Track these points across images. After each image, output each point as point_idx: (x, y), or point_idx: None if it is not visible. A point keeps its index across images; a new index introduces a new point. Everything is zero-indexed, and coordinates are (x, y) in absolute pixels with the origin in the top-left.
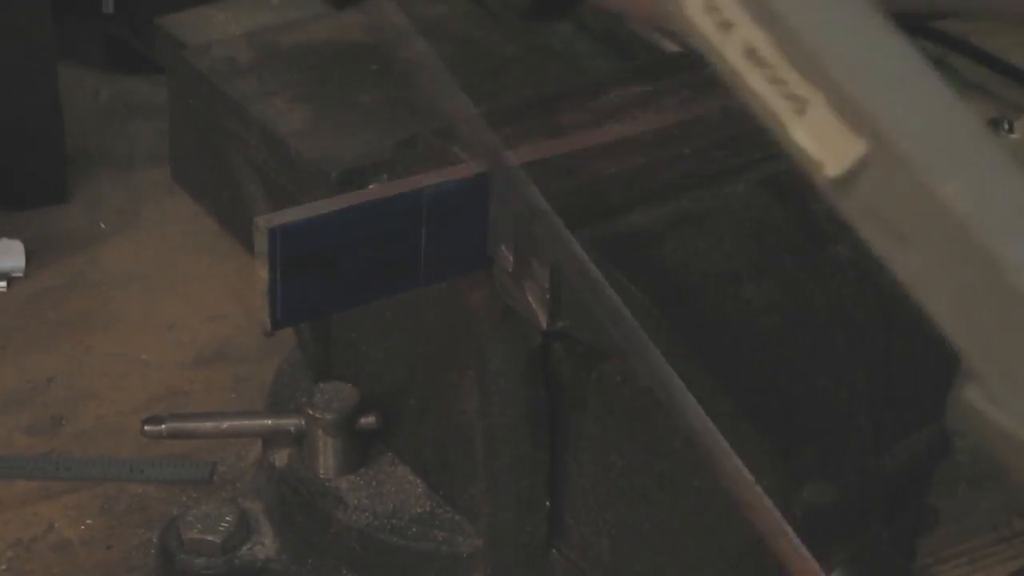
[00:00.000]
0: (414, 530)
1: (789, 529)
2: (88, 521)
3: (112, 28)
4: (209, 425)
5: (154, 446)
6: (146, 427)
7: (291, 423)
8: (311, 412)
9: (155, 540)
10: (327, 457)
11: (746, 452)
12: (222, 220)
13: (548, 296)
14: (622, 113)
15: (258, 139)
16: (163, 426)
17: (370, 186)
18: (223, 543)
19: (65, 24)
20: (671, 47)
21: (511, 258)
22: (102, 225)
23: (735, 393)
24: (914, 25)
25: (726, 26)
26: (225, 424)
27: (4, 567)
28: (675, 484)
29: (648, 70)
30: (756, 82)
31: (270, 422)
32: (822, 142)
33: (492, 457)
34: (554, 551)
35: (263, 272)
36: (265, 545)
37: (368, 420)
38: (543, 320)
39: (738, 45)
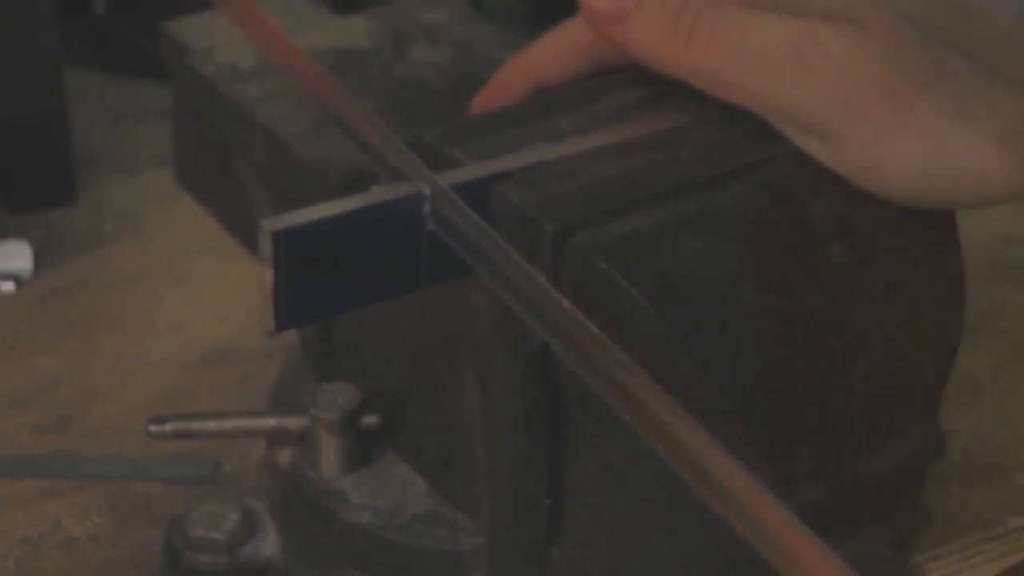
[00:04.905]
0: (416, 528)
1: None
2: (94, 519)
3: (104, 27)
4: (213, 425)
5: (159, 445)
6: (151, 427)
7: (294, 423)
8: (314, 412)
9: (161, 538)
10: (330, 456)
11: (742, 451)
12: (226, 222)
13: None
14: (621, 116)
15: (261, 143)
16: (168, 426)
17: (372, 189)
18: (228, 540)
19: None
20: None
21: None
22: (107, 227)
23: (731, 393)
24: None
25: None
26: (229, 424)
27: (12, 565)
28: (674, 481)
29: (647, 73)
30: None
31: (273, 422)
32: None
33: (492, 456)
34: (554, 548)
35: (267, 275)
36: (269, 542)
37: (370, 420)
38: None
39: None
